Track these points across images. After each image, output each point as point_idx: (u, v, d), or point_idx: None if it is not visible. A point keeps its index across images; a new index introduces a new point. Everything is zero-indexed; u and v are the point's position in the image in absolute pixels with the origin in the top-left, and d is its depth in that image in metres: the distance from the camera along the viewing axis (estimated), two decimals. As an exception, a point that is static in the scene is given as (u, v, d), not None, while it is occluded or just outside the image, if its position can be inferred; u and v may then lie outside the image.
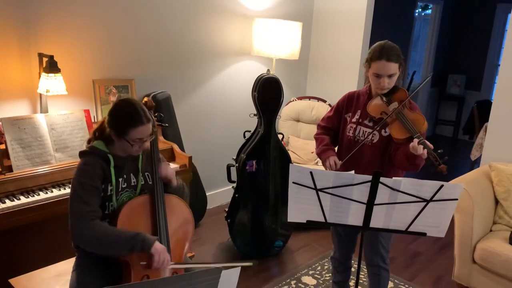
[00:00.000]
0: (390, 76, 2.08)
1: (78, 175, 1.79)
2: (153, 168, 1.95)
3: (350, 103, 2.28)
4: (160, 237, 1.82)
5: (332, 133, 2.35)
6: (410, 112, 2.08)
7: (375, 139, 2.16)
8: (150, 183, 1.96)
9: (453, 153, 6.79)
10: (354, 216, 1.77)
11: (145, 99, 2.09)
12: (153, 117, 2.00)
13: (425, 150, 1.88)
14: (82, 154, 1.87)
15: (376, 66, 2.07)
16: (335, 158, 2.18)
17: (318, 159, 3.96)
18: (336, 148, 2.34)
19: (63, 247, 2.17)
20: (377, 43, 2.12)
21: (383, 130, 2.15)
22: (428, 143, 1.90)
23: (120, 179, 1.88)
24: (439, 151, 1.88)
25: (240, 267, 1.39)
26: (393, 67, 2.07)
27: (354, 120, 2.22)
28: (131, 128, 1.78)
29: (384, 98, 2.13)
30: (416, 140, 1.90)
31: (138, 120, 1.78)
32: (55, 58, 2.56)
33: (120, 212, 1.81)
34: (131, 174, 1.93)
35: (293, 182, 1.72)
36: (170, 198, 1.97)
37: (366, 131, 2.17)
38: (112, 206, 1.86)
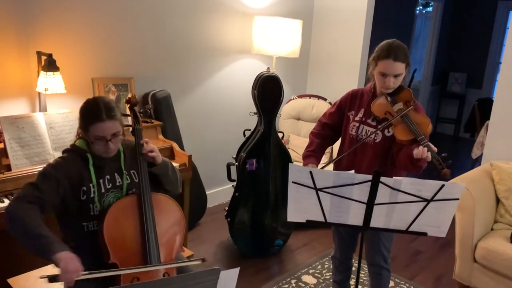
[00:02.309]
0: (396, 76, 2.05)
1: (48, 164, 1.80)
2: (138, 165, 1.90)
3: (353, 101, 2.25)
4: (148, 237, 1.78)
5: (329, 131, 2.33)
6: (415, 114, 2.05)
7: (377, 138, 2.14)
8: (136, 181, 1.92)
9: (454, 151, 6.77)
10: (354, 216, 1.76)
11: (129, 95, 2.06)
12: (141, 116, 1.98)
13: (429, 153, 1.86)
14: (63, 151, 1.87)
15: (383, 65, 2.04)
16: (313, 165, 2.19)
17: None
18: (336, 147, 2.33)
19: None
20: (385, 41, 2.09)
21: (386, 130, 2.12)
22: (432, 146, 1.88)
23: (101, 180, 1.85)
24: (442, 154, 1.85)
25: (238, 268, 1.37)
26: (400, 67, 2.04)
27: (357, 118, 2.20)
28: (90, 124, 1.76)
29: (388, 98, 2.11)
30: (421, 145, 1.88)
31: (96, 117, 1.74)
32: (54, 57, 2.54)
33: (107, 214, 1.78)
34: (115, 174, 1.89)
35: (292, 182, 1.70)
36: (158, 197, 1.93)
37: (369, 130, 2.15)
38: (96, 208, 1.83)
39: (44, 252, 1.56)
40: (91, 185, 1.81)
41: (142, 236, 1.79)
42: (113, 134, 1.78)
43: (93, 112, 1.76)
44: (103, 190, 1.85)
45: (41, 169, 1.78)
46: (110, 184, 1.87)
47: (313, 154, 2.27)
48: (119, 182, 1.90)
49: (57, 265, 1.53)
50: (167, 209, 1.94)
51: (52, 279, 1.51)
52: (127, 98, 2.05)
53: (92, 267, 1.76)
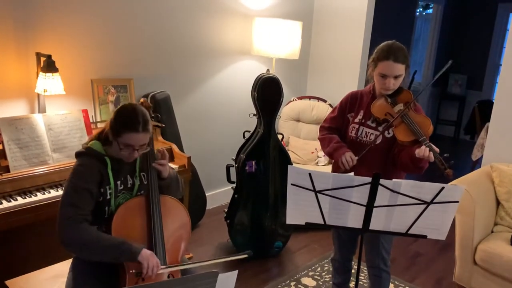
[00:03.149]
0: (396, 77, 2.05)
1: (72, 177, 1.77)
2: (148, 168, 1.92)
3: (353, 102, 2.25)
4: (155, 239, 1.79)
5: (337, 133, 2.30)
6: (415, 114, 2.05)
7: (378, 140, 2.13)
8: (145, 183, 1.93)
9: (454, 153, 6.76)
10: (353, 218, 1.75)
11: (142, 100, 2.07)
12: (152, 121, 1.98)
13: (431, 154, 1.85)
14: (78, 154, 1.85)
15: (383, 67, 2.04)
16: (351, 153, 2.10)
17: (318, 159, 3.97)
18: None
19: (60, 248, 2.15)
20: (384, 43, 2.09)
21: (386, 132, 2.12)
22: (434, 146, 1.88)
23: (118, 182, 1.86)
24: (445, 155, 1.85)
25: (237, 271, 1.37)
26: (400, 68, 2.04)
27: (357, 120, 2.20)
28: (125, 131, 1.75)
29: (388, 99, 2.11)
30: (423, 145, 1.88)
31: (133, 126, 1.75)
32: (53, 58, 2.54)
33: (115, 214, 1.79)
34: (128, 176, 1.91)
35: (291, 184, 1.69)
36: (166, 199, 1.94)
37: (369, 132, 2.15)
38: (111, 210, 1.84)
39: (129, 257, 1.68)
40: (107, 187, 1.82)
41: (149, 237, 1.80)
42: (141, 145, 1.80)
43: (131, 121, 1.76)
44: (117, 192, 1.86)
45: (68, 185, 1.76)
46: (122, 186, 1.88)
47: (341, 144, 2.18)
48: (130, 183, 1.91)
49: (140, 264, 1.67)
50: (174, 212, 1.95)
51: (139, 273, 1.68)
52: (140, 102, 2.06)
53: (99, 266, 1.78)
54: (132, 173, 1.92)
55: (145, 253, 1.69)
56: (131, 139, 1.75)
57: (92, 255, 1.70)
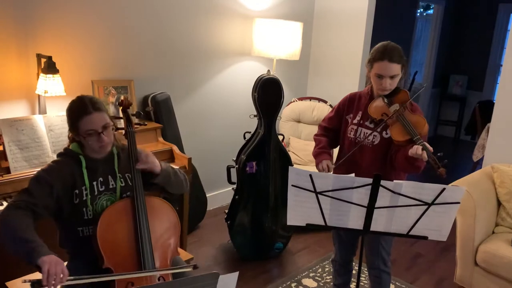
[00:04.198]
0: (392, 77, 2.06)
1: (40, 169, 1.79)
2: (131, 169, 1.88)
3: (351, 104, 2.26)
4: (142, 242, 1.76)
5: (332, 134, 2.34)
6: (411, 114, 2.06)
7: (376, 141, 2.14)
8: (131, 184, 1.90)
9: (455, 153, 6.76)
10: (354, 220, 1.75)
11: (122, 97, 2.06)
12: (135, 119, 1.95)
13: (425, 152, 1.85)
14: (58, 155, 1.88)
15: (378, 67, 2.05)
16: (328, 161, 2.18)
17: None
18: (337, 149, 2.33)
19: (60, 250, 2.15)
20: (380, 44, 2.10)
21: (384, 132, 2.12)
22: (428, 145, 1.88)
23: (95, 182, 1.84)
24: (438, 154, 1.85)
25: (237, 272, 1.36)
26: (396, 68, 2.04)
27: (355, 121, 2.20)
28: (79, 120, 1.75)
29: (385, 100, 2.11)
30: (416, 144, 1.88)
31: (83, 110, 1.75)
32: (53, 59, 2.54)
33: (100, 217, 1.76)
34: (109, 177, 1.88)
35: (292, 185, 1.69)
36: (152, 200, 1.91)
37: (367, 133, 2.15)
38: (90, 211, 1.81)
39: (30, 257, 1.52)
40: (83, 187, 1.80)
41: (136, 240, 1.78)
42: (104, 126, 1.78)
43: (79, 108, 1.77)
44: (96, 193, 1.84)
45: (33, 175, 1.77)
46: (103, 187, 1.86)
47: (325, 151, 2.26)
48: (112, 184, 1.88)
49: (41, 269, 1.49)
50: (161, 213, 1.92)
51: (36, 283, 1.46)
52: (120, 100, 2.04)
53: (88, 272, 1.74)
54: (113, 174, 1.89)
55: (50, 258, 1.50)
56: (87, 123, 1.75)
57: (7, 242, 1.59)
